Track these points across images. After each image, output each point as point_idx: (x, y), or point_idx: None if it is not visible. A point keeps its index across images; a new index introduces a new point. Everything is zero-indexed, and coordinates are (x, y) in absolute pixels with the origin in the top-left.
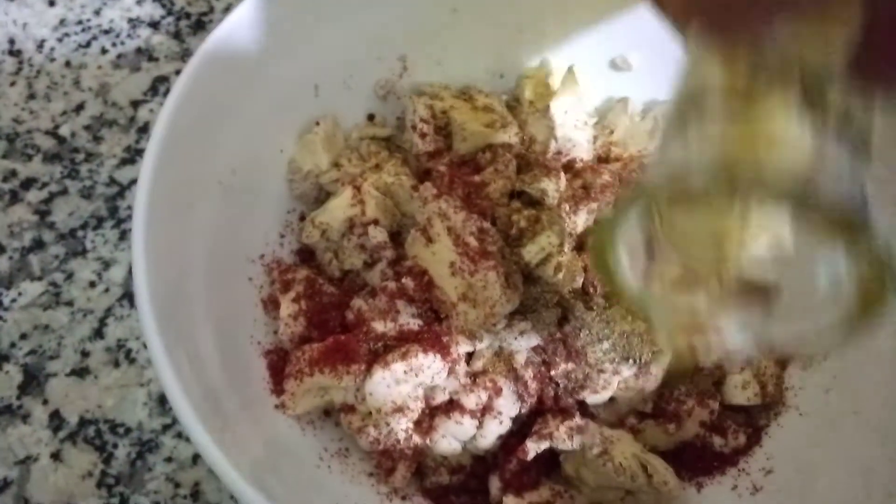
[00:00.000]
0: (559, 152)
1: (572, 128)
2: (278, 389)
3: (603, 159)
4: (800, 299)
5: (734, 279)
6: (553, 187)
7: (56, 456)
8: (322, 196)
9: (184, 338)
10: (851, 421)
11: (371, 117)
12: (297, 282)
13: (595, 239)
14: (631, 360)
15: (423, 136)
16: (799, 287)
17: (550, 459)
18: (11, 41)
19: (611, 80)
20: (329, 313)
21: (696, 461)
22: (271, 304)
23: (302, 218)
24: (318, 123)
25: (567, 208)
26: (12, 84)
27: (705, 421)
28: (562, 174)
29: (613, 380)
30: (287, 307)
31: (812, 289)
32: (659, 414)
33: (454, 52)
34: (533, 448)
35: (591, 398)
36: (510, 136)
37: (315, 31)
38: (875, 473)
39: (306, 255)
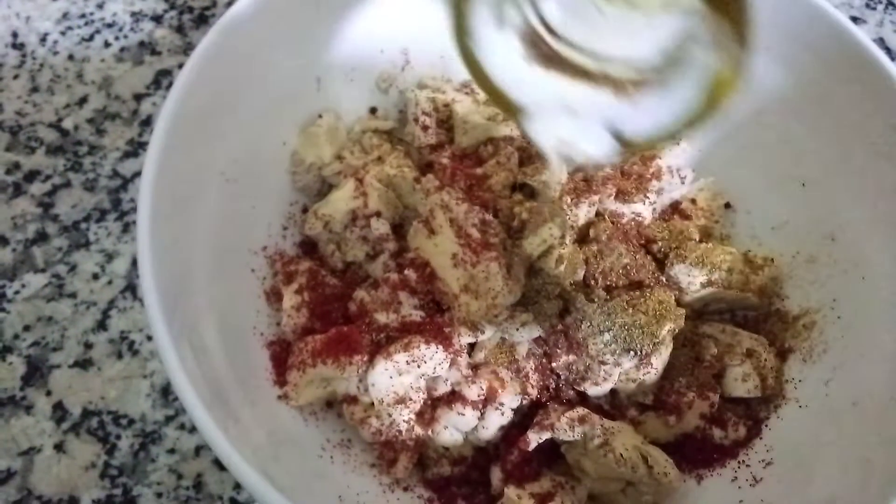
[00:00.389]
0: None
1: None
2: (281, 380)
3: None
4: (660, 87)
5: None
6: (555, 180)
7: (59, 447)
8: (324, 188)
9: (188, 329)
10: (851, 412)
11: (373, 110)
12: (299, 273)
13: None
14: (632, 352)
15: (425, 128)
16: (660, 74)
17: (551, 451)
18: (15, 34)
19: None
20: (331, 305)
21: (696, 453)
22: (274, 296)
23: (304, 210)
24: (320, 116)
25: (568, 201)
26: (15, 77)
27: (705, 413)
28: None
29: (614, 371)
30: (290, 298)
31: (673, 74)
32: (659, 406)
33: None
34: (534, 438)
35: (592, 390)
36: (512, 129)
37: (317, 23)
38: (873, 464)
39: (308, 247)
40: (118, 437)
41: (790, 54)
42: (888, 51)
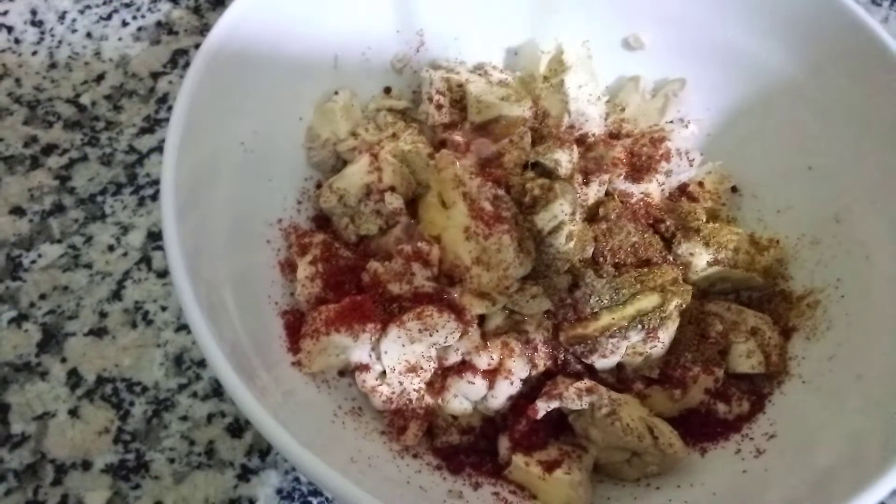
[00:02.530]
0: (572, 126)
1: (585, 103)
2: (295, 348)
3: (614, 135)
4: None
5: None
6: (566, 158)
7: (73, 412)
8: (338, 164)
9: (211, 296)
10: (853, 386)
11: (388, 90)
12: (314, 245)
13: None
14: (639, 326)
15: (439, 107)
16: None
17: (558, 422)
18: (34, 12)
19: (623, 59)
20: (345, 276)
21: (700, 427)
22: (288, 267)
23: (318, 186)
24: (336, 93)
25: (580, 179)
26: (34, 53)
27: (710, 388)
28: (574, 147)
29: (621, 345)
30: (304, 269)
31: None
32: (665, 380)
33: (471, 28)
34: (543, 407)
35: (600, 362)
36: (524, 109)
37: (334, 4)
38: (873, 435)
39: (322, 221)
40: (132, 403)
41: (798, 41)
42: None
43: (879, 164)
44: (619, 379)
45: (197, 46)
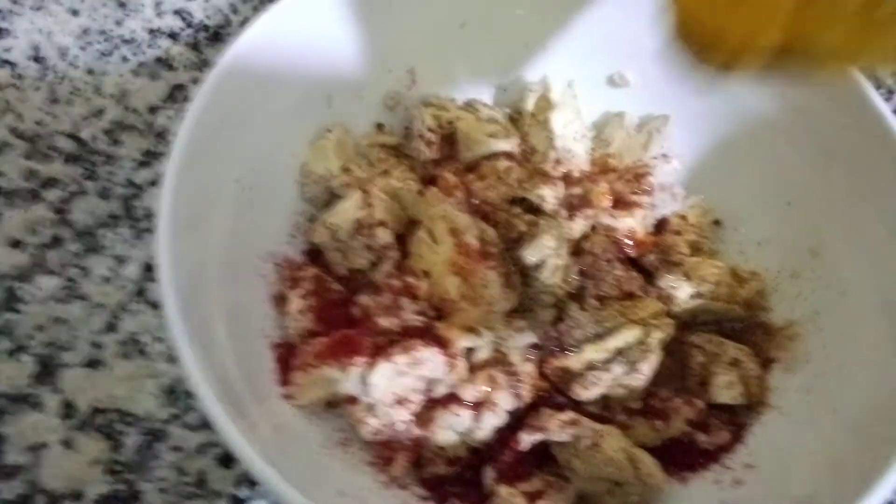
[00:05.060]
0: (558, 162)
1: (571, 139)
2: (285, 380)
3: (600, 170)
4: None
5: None
6: (552, 194)
7: (66, 443)
8: (331, 199)
9: (202, 330)
10: (829, 419)
11: (380, 126)
12: (305, 279)
13: None
14: (622, 359)
15: (429, 144)
16: None
17: (542, 454)
18: (36, 48)
19: (608, 95)
20: (335, 309)
21: (682, 457)
22: (280, 300)
23: (311, 220)
24: (329, 130)
25: (565, 214)
26: (36, 89)
27: (692, 419)
28: (560, 183)
29: (605, 377)
30: (296, 303)
31: None
32: (648, 411)
33: (461, 66)
34: (526, 439)
35: (583, 394)
36: (512, 145)
37: (328, 44)
38: (848, 466)
39: (314, 254)
40: (123, 433)
41: (781, 82)
42: None
43: (853, 199)
44: (603, 409)
45: (195, 81)
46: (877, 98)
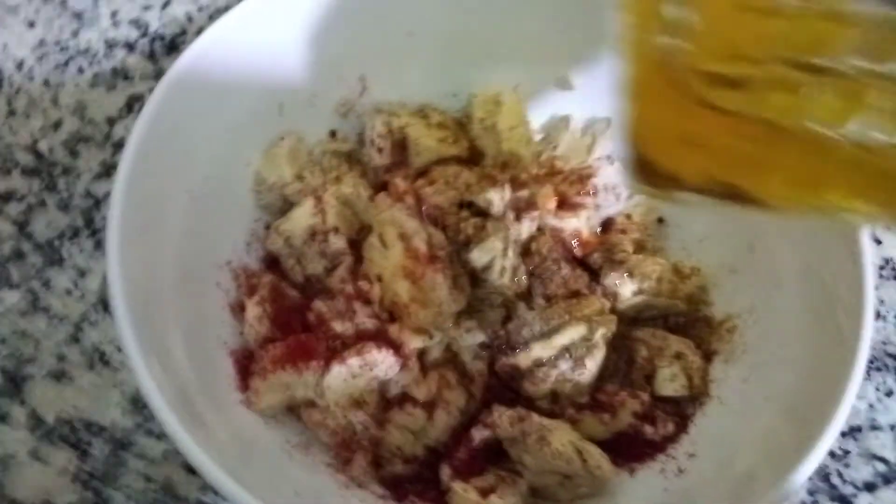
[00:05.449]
0: (505, 165)
1: (517, 144)
2: (244, 386)
3: (546, 173)
4: None
5: None
6: (499, 197)
7: (34, 454)
8: (286, 206)
9: (157, 340)
10: (764, 406)
11: (333, 133)
12: (261, 286)
13: None
14: (568, 355)
15: (379, 150)
16: None
17: (497, 450)
18: None
19: (554, 99)
20: (292, 315)
21: (629, 448)
22: (238, 308)
23: (267, 227)
24: (282, 139)
25: (512, 217)
26: None
27: (637, 411)
28: (507, 186)
29: (552, 373)
30: (252, 310)
31: None
32: (595, 405)
33: (410, 73)
34: (477, 435)
35: (532, 390)
36: (461, 150)
37: (280, 53)
38: (782, 446)
39: (271, 261)
40: (90, 443)
41: None
42: None
43: None
44: (553, 405)
45: (151, 91)
46: None
